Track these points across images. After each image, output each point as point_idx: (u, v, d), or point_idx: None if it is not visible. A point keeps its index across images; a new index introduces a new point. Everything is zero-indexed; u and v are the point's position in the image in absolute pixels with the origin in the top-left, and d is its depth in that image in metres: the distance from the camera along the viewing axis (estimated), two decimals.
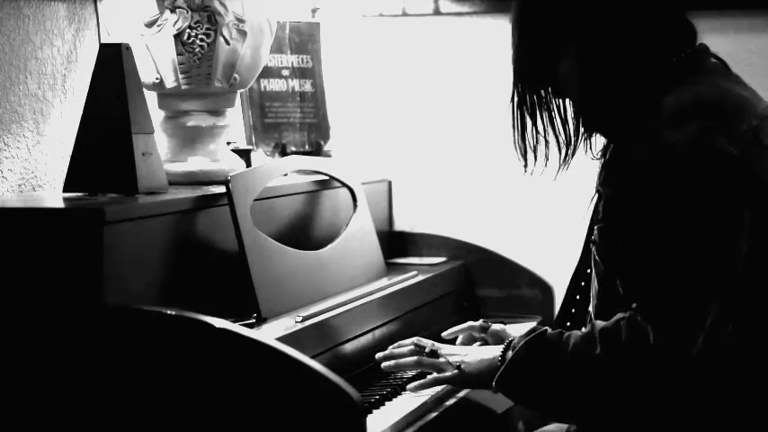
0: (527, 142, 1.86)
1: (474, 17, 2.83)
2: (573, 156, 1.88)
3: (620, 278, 1.72)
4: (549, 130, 1.85)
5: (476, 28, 2.83)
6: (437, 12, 2.85)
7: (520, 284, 2.81)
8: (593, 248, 1.80)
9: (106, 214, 1.78)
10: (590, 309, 1.84)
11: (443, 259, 2.79)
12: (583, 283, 1.95)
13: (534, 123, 1.85)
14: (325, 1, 2.89)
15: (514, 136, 1.87)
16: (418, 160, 2.89)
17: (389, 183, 2.88)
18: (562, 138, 1.86)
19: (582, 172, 1.89)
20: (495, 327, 2.14)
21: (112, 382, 1.65)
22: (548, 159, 1.86)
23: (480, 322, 2.16)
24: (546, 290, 2.80)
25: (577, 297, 1.97)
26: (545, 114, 1.85)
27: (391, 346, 2.06)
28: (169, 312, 1.63)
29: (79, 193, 2.01)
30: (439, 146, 2.87)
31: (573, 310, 1.99)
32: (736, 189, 1.63)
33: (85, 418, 1.67)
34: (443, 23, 2.86)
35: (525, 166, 1.88)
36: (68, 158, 2.02)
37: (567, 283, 2.01)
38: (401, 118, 2.89)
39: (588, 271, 1.88)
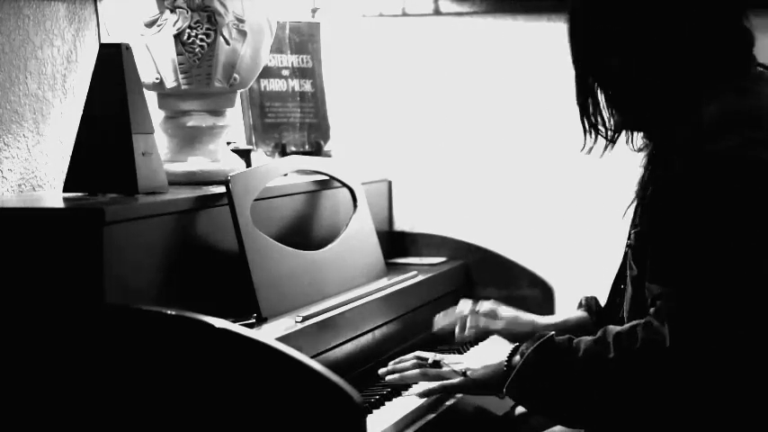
0: (584, 122, 1.85)
1: (474, 17, 2.83)
2: (611, 146, 1.87)
3: (648, 281, 1.72)
4: (595, 117, 1.84)
5: (476, 28, 2.83)
6: (437, 12, 2.85)
7: (520, 284, 2.81)
8: (629, 252, 1.80)
9: (106, 214, 1.78)
10: (624, 312, 1.84)
11: (443, 259, 2.80)
12: (622, 286, 1.94)
13: (588, 105, 1.84)
14: (325, 1, 2.89)
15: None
16: (418, 160, 2.89)
17: (389, 183, 2.89)
18: (602, 129, 1.85)
19: (582, 172, 1.89)
20: (484, 308, 2.16)
21: (112, 381, 1.65)
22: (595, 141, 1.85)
23: (470, 307, 2.17)
24: (546, 290, 2.80)
25: (617, 301, 1.97)
26: (590, 101, 1.83)
27: (392, 362, 2.07)
28: (169, 312, 1.63)
29: (79, 193, 2.01)
30: (439, 146, 2.87)
31: (612, 313, 1.99)
32: None
33: (86, 417, 1.67)
34: (443, 23, 2.86)
35: (585, 143, 1.87)
36: (68, 158, 2.02)
37: (610, 285, 2.01)
38: (401, 118, 2.89)
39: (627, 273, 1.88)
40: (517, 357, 1.81)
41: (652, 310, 1.68)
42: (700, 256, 1.64)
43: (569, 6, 1.83)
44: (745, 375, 1.64)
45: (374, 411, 1.94)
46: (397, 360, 2.07)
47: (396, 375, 2.03)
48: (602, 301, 2.12)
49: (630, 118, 1.83)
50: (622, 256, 1.97)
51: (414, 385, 2.08)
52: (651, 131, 1.82)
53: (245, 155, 2.39)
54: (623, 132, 1.85)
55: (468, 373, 1.93)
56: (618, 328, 1.71)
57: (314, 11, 2.88)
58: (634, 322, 1.70)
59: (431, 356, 2.02)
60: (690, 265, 1.65)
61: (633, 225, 1.84)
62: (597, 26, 1.79)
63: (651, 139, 1.83)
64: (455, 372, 1.95)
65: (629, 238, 1.88)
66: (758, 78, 1.79)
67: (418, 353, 2.05)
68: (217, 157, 2.31)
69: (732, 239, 1.62)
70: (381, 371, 2.06)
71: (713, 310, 1.62)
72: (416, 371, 2.01)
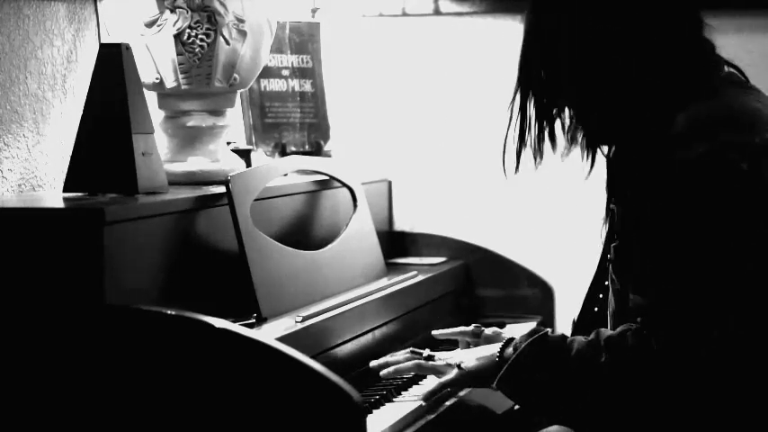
0: (524, 144, 1.86)
1: (474, 17, 2.83)
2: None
3: (632, 292, 1.72)
4: (545, 136, 1.85)
5: (476, 28, 2.83)
6: (437, 12, 2.85)
7: (520, 284, 2.81)
8: (610, 267, 1.80)
9: (106, 214, 1.78)
10: (608, 327, 1.84)
11: (443, 259, 2.80)
12: (600, 296, 1.95)
13: (530, 129, 1.85)
14: (325, 1, 2.89)
15: (511, 136, 1.87)
16: (418, 160, 2.89)
17: (389, 183, 2.89)
18: (561, 145, 1.85)
19: (582, 173, 1.89)
20: (488, 331, 2.14)
21: (113, 381, 1.65)
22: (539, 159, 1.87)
23: (473, 327, 2.17)
24: (546, 290, 2.80)
25: (595, 309, 1.97)
26: (545, 123, 1.84)
27: (385, 357, 2.07)
28: (169, 312, 1.63)
29: (79, 193, 2.01)
30: (439, 146, 2.87)
31: (590, 322, 1.98)
32: (746, 204, 1.63)
33: (86, 417, 1.67)
34: (443, 23, 2.86)
35: (518, 166, 1.88)
36: (68, 158, 2.02)
37: (584, 296, 2.01)
38: (401, 118, 2.89)
39: (606, 283, 1.88)
40: (509, 350, 1.82)
41: (639, 319, 1.68)
42: (679, 263, 1.64)
43: (531, 35, 1.83)
44: (733, 381, 1.64)
45: (374, 411, 1.94)
46: (390, 354, 2.08)
47: (390, 369, 2.03)
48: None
49: (599, 132, 1.82)
50: (596, 269, 1.97)
51: (413, 386, 2.09)
52: (619, 142, 1.81)
53: (245, 155, 2.39)
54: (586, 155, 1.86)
55: (463, 364, 1.93)
56: (610, 332, 1.72)
57: (314, 11, 2.88)
58: (625, 327, 1.70)
59: (425, 351, 2.03)
60: (671, 273, 1.65)
61: (609, 239, 1.84)
62: (569, 45, 1.79)
63: (617, 149, 1.82)
64: (449, 365, 1.96)
65: (604, 252, 1.89)
66: (727, 80, 1.79)
67: (411, 348, 2.06)
68: (217, 157, 2.31)
69: (709, 245, 1.63)
70: (373, 364, 2.06)
71: (698, 318, 1.62)
72: (410, 363, 2.02)
